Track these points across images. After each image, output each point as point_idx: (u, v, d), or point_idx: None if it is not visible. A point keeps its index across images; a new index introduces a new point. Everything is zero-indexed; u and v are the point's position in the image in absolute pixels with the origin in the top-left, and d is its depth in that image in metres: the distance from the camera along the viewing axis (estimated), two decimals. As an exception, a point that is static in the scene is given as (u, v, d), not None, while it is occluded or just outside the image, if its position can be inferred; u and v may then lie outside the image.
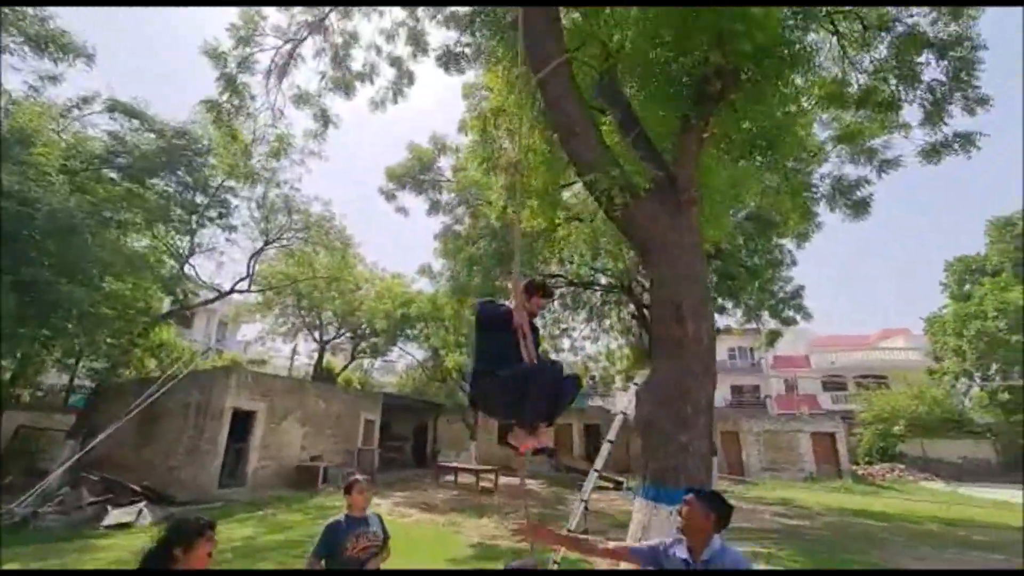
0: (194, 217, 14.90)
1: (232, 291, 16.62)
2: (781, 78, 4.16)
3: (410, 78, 8.25)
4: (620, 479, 17.22)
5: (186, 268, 15.65)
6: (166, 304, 16.05)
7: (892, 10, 6.46)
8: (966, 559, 8.49)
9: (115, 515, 10.00)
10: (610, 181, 3.78)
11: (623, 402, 4.60)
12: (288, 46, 7.17)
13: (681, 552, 2.40)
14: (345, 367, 25.58)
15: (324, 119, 7.92)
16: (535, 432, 2.61)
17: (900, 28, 6.43)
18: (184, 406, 13.52)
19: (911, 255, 78.54)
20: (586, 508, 3.28)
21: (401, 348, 22.00)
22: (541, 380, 2.70)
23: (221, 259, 16.98)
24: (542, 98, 4.14)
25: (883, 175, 8.82)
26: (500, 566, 8.18)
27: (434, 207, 14.87)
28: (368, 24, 7.85)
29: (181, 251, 15.46)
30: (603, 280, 16.69)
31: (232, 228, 14.84)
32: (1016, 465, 22.12)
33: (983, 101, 6.39)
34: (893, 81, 6.75)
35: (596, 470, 3.67)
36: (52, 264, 10.61)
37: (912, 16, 6.38)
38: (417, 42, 8.17)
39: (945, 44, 6.37)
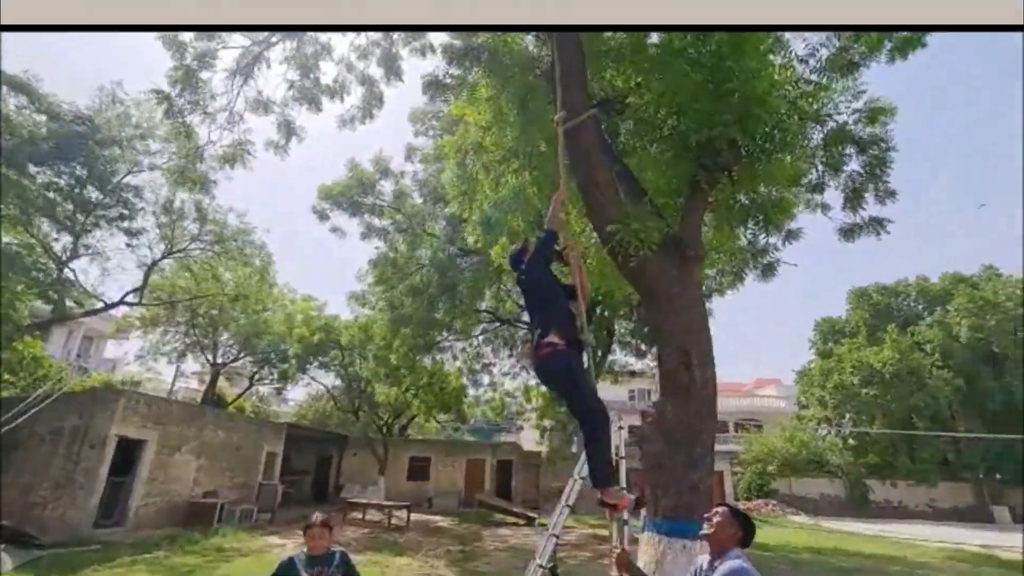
0: (81, 216, 12.96)
1: (122, 302, 14.50)
2: (772, 158, 4.67)
3: (380, 99, 8.03)
4: (532, 515, 17.35)
5: (65, 272, 13.46)
6: (32, 312, 13.61)
7: (825, 108, 7.51)
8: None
9: (-36, 562, 8.05)
10: (630, 234, 3.94)
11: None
12: (256, 48, 6.68)
13: (704, 564, 2.43)
14: (242, 394, 23.18)
15: (288, 130, 7.39)
16: (615, 483, 2.62)
17: (831, 124, 7.50)
18: (54, 432, 11.46)
19: (775, 313, 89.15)
20: (557, 542, 3.29)
21: (312, 377, 20.43)
22: (605, 434, 2.71)
23: (107, 265, 14.80)
24: (567, 148, 4.23)
25: (787, 244, 10.10)
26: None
27: (369, 231, 14.35)
28: (343, 38, 7.56)
29: (63, 252, 13.28)
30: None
31: (136, 233, 13.07)
32: (861, 501, 25.53)
33: (891, 194, 7.57)
34: (820, 167, 7.81)
35: (568, 505, 3.73)
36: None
37: (841, 114, 7.48)
38: (389, 66, 8.02)
39: (865, 142, 7.51)
